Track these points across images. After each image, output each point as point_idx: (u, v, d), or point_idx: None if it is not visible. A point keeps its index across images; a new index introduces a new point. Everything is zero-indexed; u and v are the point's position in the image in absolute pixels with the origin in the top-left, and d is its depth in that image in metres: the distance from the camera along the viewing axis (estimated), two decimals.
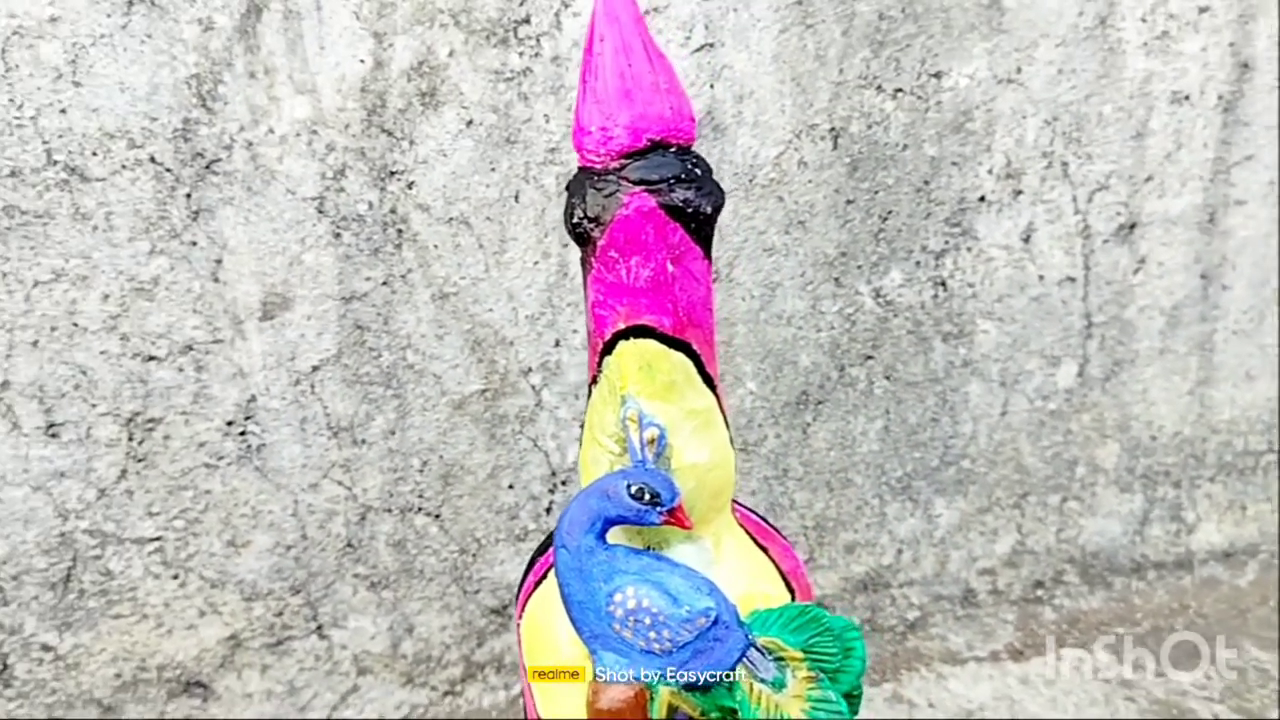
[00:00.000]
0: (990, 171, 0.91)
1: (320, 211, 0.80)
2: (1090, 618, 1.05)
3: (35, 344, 0.79)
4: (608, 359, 0.54)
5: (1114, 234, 0.96)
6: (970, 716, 0.92)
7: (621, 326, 0.53)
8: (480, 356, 0.86)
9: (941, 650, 1.01)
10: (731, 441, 0.58)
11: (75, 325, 0.79)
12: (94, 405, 0.81)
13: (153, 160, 0.76)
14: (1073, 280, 0.96)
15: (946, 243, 0.92)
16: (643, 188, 0.51)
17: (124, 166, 0.76)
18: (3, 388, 0.79)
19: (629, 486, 0.53)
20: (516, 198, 0.83)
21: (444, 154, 0.81)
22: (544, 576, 0.59)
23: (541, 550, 0.62)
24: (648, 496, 0.52)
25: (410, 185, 0.81)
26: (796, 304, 0.91)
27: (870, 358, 0.94)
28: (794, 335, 0.92)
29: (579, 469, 0.60)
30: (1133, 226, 0.96)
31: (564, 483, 0.92)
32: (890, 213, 0.90)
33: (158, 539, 0.86)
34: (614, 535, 0.56)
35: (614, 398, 0.55)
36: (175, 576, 0.87)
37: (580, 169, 0.53)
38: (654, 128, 0.52)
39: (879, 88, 0.86)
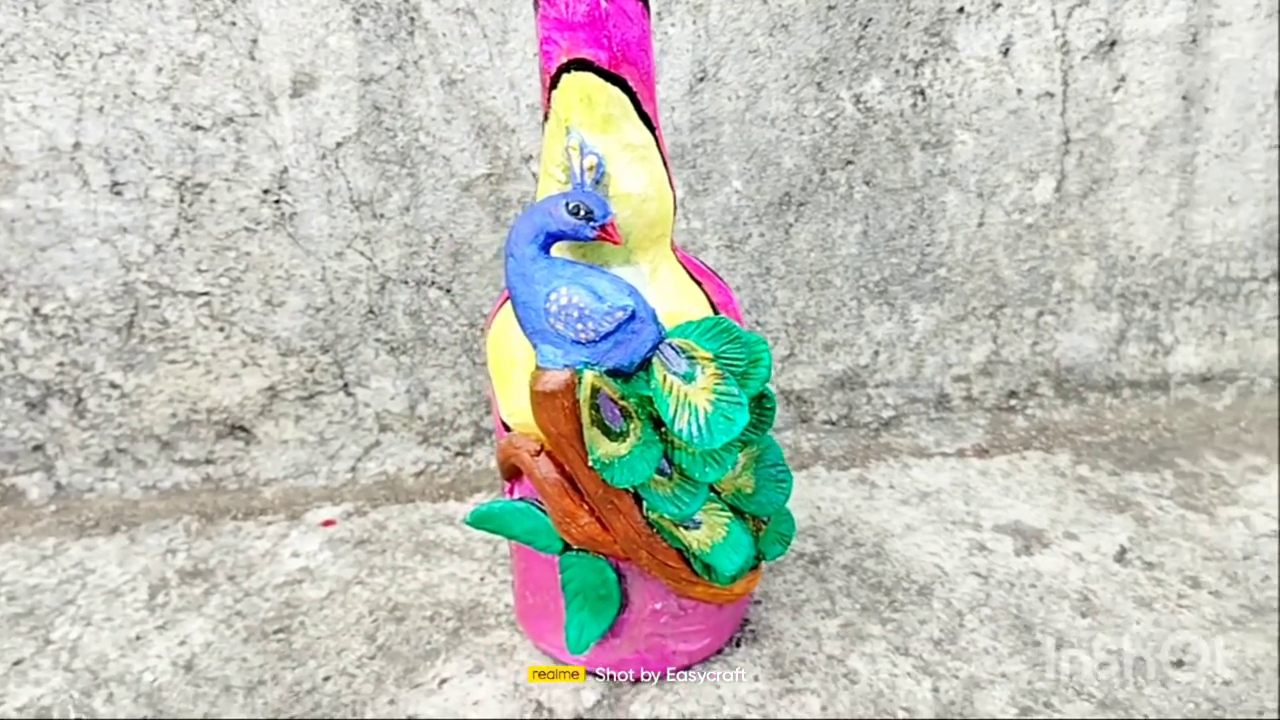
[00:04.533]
0: None
1: None
2: (1060, 427, 1.11)
3: (101, 110, 0.91)
4: (554, 93, 0.63)
5: (1093, 51, 1.00)
6: (925, 496, 1.01)
7: (564, 60, 0.62)
8: (485, 142, 0.96)
9: (911, 446, 1.09)
10: (671, 182, 0.67)
11: (134, 94, 0.91)
12: (150, 168, 0.94)
13: None
14: (1051, 95, 1.01)
15: (926, 52, 0.98)
16: None
17: None
18: (75, 148, 0.92)
19: (567, 204, 0.62)
20: None
21: None
22: (507, 299, 0.69)
23: None
24: (582, 213, 0.62)
25: None
26: (780, 106, 0.98)
27: (850, 163, 1.01)
28: (778, 137, 0.99)
29: (536, 199, 0.68)
30: (1113, 44, 1.00)
31: None
32: (870, 20, 0.96)
33: (206, 294, 0.99)
34: (562, 254, 0.66)
35: (560, 129, 0.64)
36: (221, 329, 1.00)
37: None
38: None
39: None
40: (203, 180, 0.94)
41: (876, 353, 1.08)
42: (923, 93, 0.99)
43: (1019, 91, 1.00)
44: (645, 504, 0.67)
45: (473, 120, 0.95)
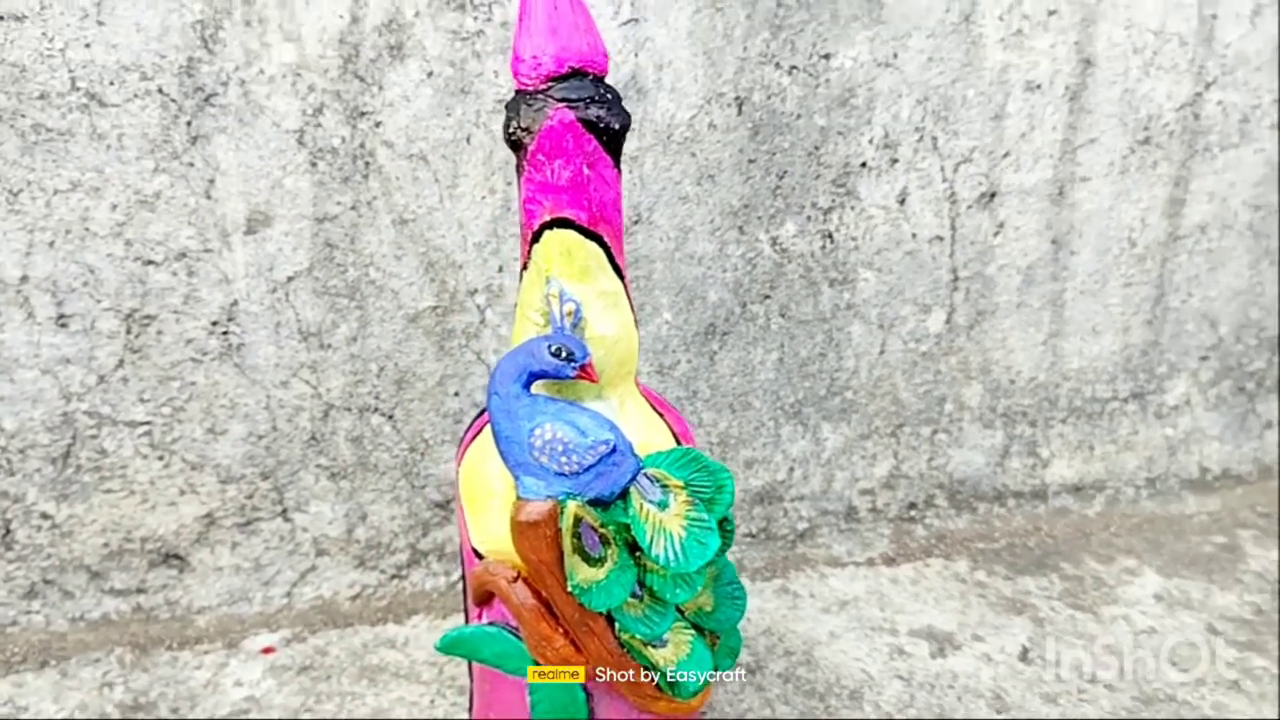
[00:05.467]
0: (871, 141, 1.08)
1: (300, 143, 0.95)
2: (955, 535, 1.21)
3: (51, 244, 0.92)
4: (536, 247, 0.69)
5: (976, 201, 1.13)
6: (844, 604, 1.08)
7: (547, 218, 0.68)
8: (433, 277, 1.01)
9: (826, 556, 1.17)
10: (636, 323, 0.73)
11: (87, 230, 0.93)
12: (99, 301, 0.95)
13: (160, 91, 0.91)
14: (941, 239, 1.13)
15: (833, 201, 1.09)
16: (564, 104, 0.66)
17: (135, 95, 0.90)
18: (22, 281, 0.93)
19: (549, 346, 0.68)
20: (468, 140, 0.98)
21: (407, 99, 0.96)
22: (480, 431, 0.73)
23: (479, 415, 0.76)
24: (564, 354, 0.68)
25: (377, 124, 0.96)
26: (706, 247, 1.07)
27: (768, 297, 1.11)
28: (704, 274, 1.08)
29: (511, 343, 0.74)
30: (993, 195, 1.13)
31: None
32: (786, 172, 1.07)
33: (147, 423, 0.99)
34: (539, 390, 0.71)
35: (540, 279, 0.70)
36: (160, 458, 1.01)
37: (516, 91, 0.68)
38: (574, 58, 0.67)
39: (777, 64, 1.03)
40: (151, 312, 0.96)
41: (792, 469, 1.17)
42: (831, 236, 1.10)
43: (914, 236, 1.12)
44: (618, 625, 0.71)
45: (421, 256, 1.00)
